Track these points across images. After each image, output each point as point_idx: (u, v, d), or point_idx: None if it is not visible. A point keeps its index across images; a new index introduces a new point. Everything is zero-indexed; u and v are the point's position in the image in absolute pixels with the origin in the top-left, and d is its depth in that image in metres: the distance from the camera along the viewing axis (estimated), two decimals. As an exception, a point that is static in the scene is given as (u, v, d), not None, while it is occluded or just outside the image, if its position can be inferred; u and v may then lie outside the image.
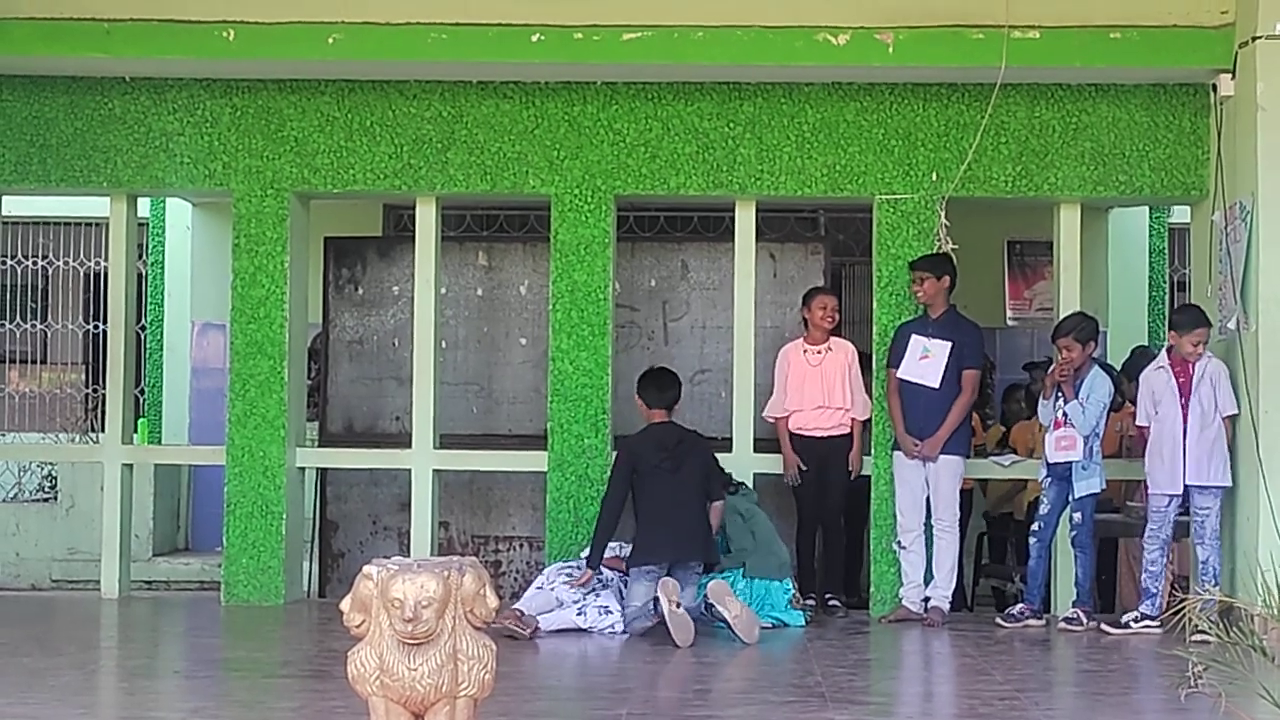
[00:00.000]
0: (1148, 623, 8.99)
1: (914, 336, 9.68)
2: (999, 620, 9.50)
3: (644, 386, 9.65)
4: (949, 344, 9.58)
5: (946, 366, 9.56)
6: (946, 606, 9.55)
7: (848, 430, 9.88)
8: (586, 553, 9.34)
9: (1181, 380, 9.11)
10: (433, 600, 5.04)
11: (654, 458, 9.25)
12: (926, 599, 9.56)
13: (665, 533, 9.08)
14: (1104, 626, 9.17)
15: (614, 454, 9.78)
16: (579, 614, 9.06)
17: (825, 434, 9.84)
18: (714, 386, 11.14)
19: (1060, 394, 9.37)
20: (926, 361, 9.59)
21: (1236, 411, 9.07)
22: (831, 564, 10.04)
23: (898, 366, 9.69)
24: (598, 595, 9.19)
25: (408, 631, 5.02)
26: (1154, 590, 9.06)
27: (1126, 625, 9.09)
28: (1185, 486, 9.04)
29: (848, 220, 12.92)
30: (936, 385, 9.55)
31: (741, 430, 10.16)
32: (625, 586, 9.37)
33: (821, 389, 9.84)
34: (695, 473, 9.30)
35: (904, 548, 9.63)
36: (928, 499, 9.59)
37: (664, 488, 9.16)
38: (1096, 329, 9.63)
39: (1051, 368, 9.62)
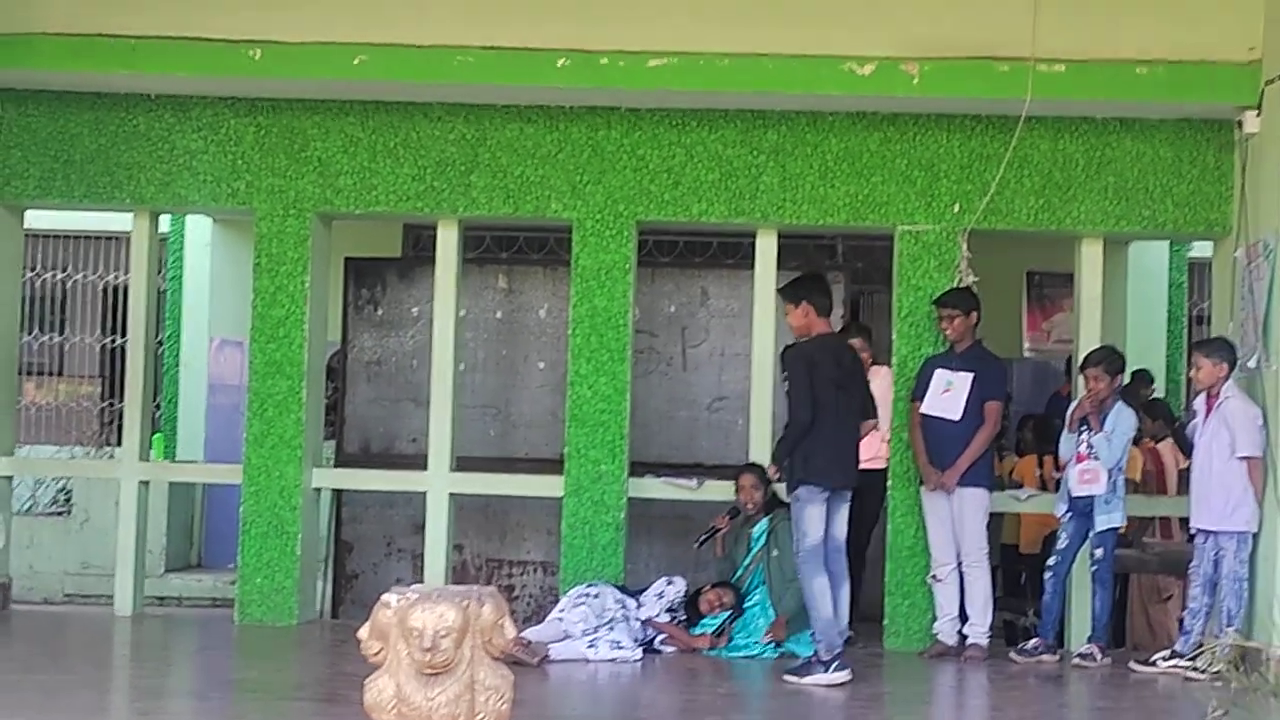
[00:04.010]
0: (1178, 662, 8.88)
1: (938, 370, 9.65)
2: (1013, 655, 9.45)
3: (810, 291, 8.90)
4: (970, 375, 9.55)
5: (968, 399, 9.52)
6: (985, 643, 9.48)
7: (881, 464, 9.84)
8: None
9: (1205, 419, 9.08)
10: (451, 630, 5.04)
11: (831, 371, 8.67)
12: (964, 636, 9.51)
13: (840, 458, 8.66)
14: (1132, 664, 9.09)
15: (788, 358, 8.87)
16: (590, 646, 9.01)
17: (862, 466, 9.73)
18: (731, 414, 11.13)
19: (1086, 426, 9.34)
20: (948, 395, 9.56)
21: (1255, 454, 8.91)
22: (852, 597, 9.99)
23: (922, 399, 9.66)
24: (611, 629, 9.16)
25: (426, 661, 5.02)
26: (1190, 628, 8.97)
27: (1154, 663, 9.01)
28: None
29: (867, 249, 12.90)
30: (957, 418, 9.51)
31: (759, 458, 10.11)
32: (630, 606, 9.38)
33: None
34: (857, 396, 8.95)
35: (939, 580, 9.58)
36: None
37: (838, 406, 8.68)
38: (1124, 363, 9.61)
39: (1078, 400, 9.57)
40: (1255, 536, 8.93)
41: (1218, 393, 9.02)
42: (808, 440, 8.52)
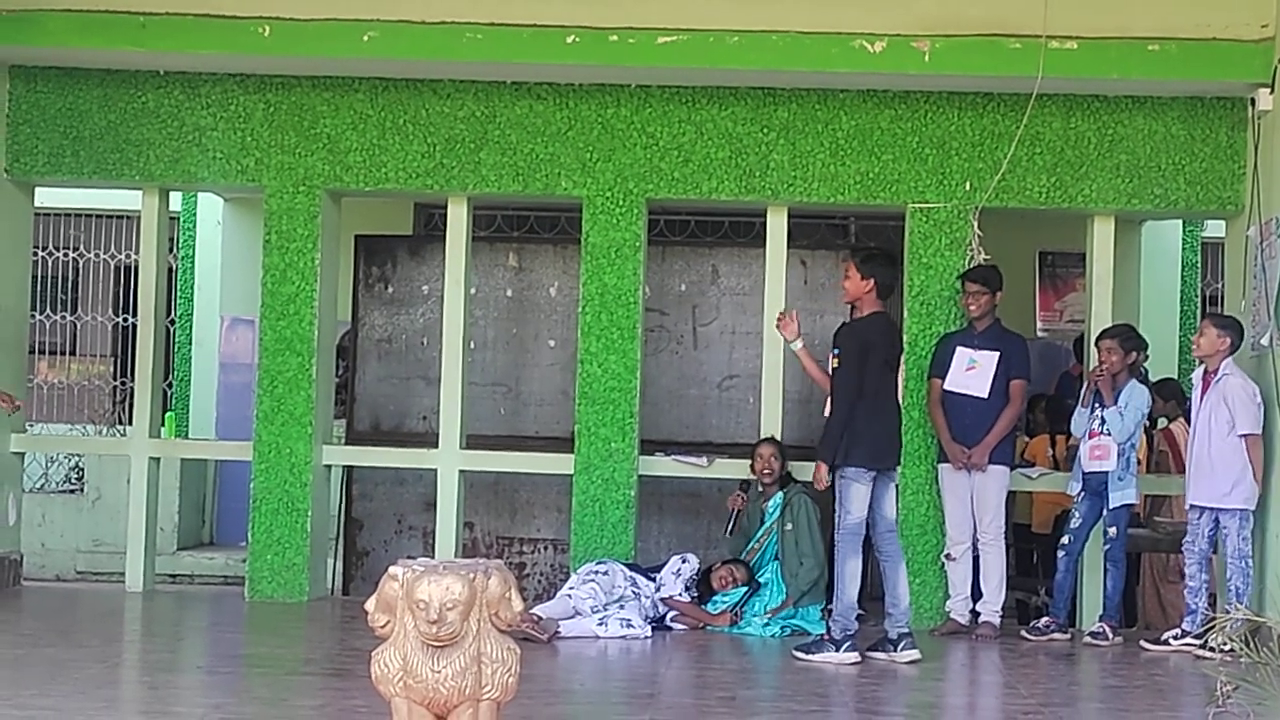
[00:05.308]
0: (1189, 640, 8.88)
1: (959, 348, 9.61)
2: (1024, 633, 9.44)
3: (883, 271, 8.66)
4: (996, 354, 9.51)
5: (994, 377, 9.49)
6: (997, 621, 9.47)
7: None
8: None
9: (1202, 395, 9.09)
10: (458, 602, 5.02)
11: (885, 353, 8.57)
12: (976, 614, 9.50)
13: (887, 439, 8.57)
14: (1143, 643, 9.09)
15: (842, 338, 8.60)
16: (600, 624, 9.01)
17: None
18: (742, 392, 11.13)
19: (1099, 401, 9.32)
20: (973, 373, 9.53)
21: (1255, 431, 8.92)
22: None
23: (942, 377, 9.62)
24: (621, 607, 9.16)
25: (432, 633, 5.00)
26: (1194, 606, 8.97)
27: (1165, 642, 9.01)
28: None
29: (879, 228, 12.87)
30: (985, 395, 9.48)
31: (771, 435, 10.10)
32: (644, 589, 9.39)
33: None
34: (897, 374, 8.89)
35: (953, 560, 9.56)
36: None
37: (888, 386, 8.62)
38: (1139, 342, 9.57)
39: (1090, 371, 9.56)
40: (1255, 513, 8.93)
41: (1216, 368, 9.02)
42: (856, 422, 8.37)
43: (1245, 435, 8.89)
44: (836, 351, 8.50)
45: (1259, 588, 9.02)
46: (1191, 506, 9.08)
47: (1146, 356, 10.62)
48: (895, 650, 8.41)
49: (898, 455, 8.71)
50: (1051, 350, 12.89)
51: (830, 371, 8.58)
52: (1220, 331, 9.06)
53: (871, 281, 8.57)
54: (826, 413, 8.59)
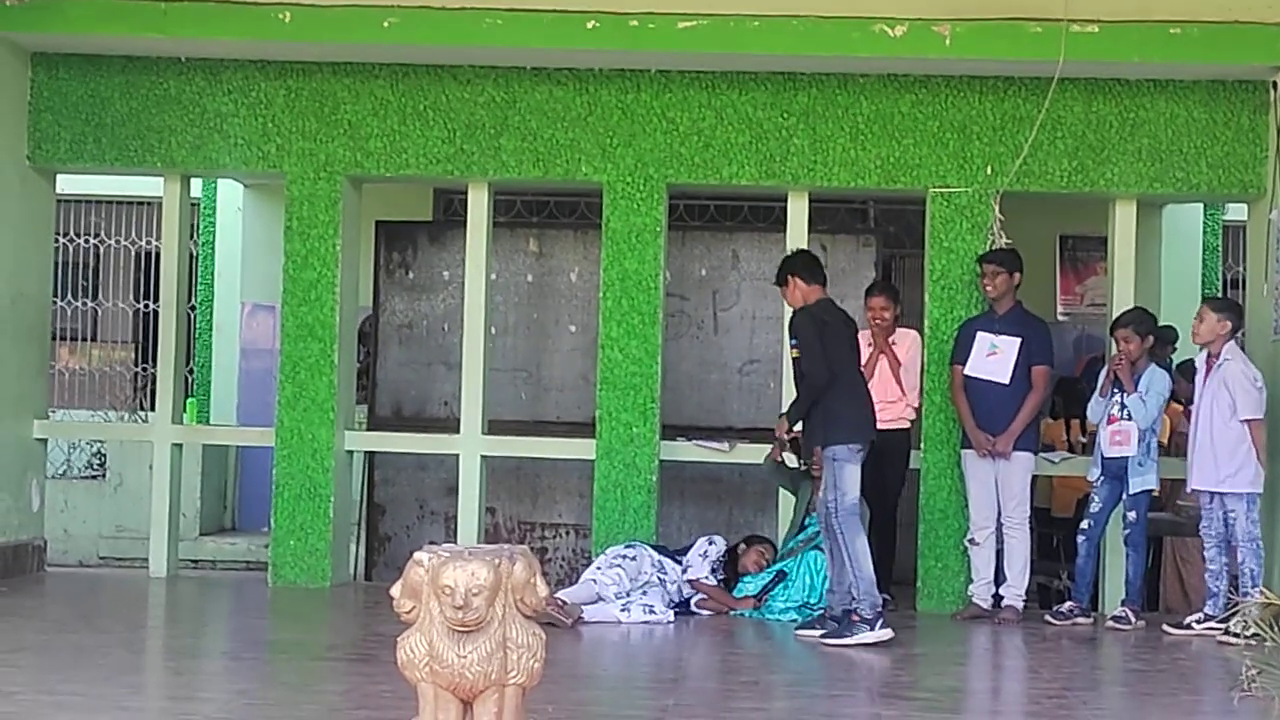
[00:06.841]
0: (1211, 624, 8.88)
1: (980, 333, 9.58)
2: (1047, 618, 9.44)
3: (792, 266, 8.81)
4: (1018, 340, 9.48)
5: (1016, 363, 9.47)
6: (1020, 605, 9.47)
7: (906, 424, 9.81)
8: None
9: (1204, 379, 9.08)
10: (483, 588, 5.03)
11: (842, 330, 8.68)
12: (999, 597, 9.49)
13: (867, 414, 8.67)
14: (1165, 627, 9.09)
15: (800, 322, 8.66)
16: (623, 610, 9.02)
17: (882, 427, 9.68)
18: (762, 377, 11.13)
19: (1119, 388, 9.31)
20: (995, 358, 9.50)
21: (1257, 417, 8.92)
22: (883, 559, 9.95)
23: (964, 363, 9.60)
24: (644, 593, 9.17)
25: (458, 619, 5.02)
26: (1215, 590, 8.98)
27: (1189, 626, 9.00)
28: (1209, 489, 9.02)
29: (899, 212, 12.86)
30: (1007, 381, 9.45)
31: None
32: (671, 565, 9.41)
33: (878, 382, 9.71)
34: (855, 354, 8.96)
35: (976, 544, 9.54)
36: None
37: (851, 362, 8.73)
38: (1155, 324, 9.56)
39: (1109, 361, 9.54)
40: (1260, 496, 8.96)
41: (1218, 353, 9.02)
42: (833, 402, 8.45)
43: (1247, 420, 8.91)
44: (794, 342, 8.58)
45: (1276, 573, 9.02)
46: (1195, 491, 9.09)
47: (1175, 348, 10.64)
48: (871, 630, 8.40)
49: (875, 432, 8.72)
50: (1081, 338, 12.89)
51: (795, 361, 8.66)
52: (1219, 315, 9.07)
53: (792, 280, 8.73)
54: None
